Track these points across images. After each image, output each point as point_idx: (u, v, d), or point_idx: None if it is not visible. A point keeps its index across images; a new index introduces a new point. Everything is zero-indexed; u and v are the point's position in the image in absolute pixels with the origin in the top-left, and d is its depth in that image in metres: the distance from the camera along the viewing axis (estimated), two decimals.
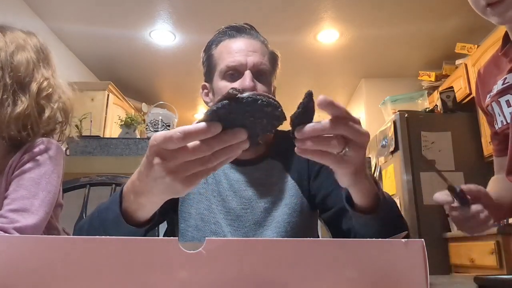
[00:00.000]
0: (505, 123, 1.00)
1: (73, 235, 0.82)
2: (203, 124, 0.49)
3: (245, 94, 0.48)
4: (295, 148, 0.56)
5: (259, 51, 0.96)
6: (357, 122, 0.57)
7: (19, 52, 1.00)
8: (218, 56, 0.97)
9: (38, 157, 0.94)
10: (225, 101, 0.48)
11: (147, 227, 0.67)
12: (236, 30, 0.98)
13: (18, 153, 0.96)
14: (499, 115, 1.01)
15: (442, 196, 0.86)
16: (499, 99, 0.99)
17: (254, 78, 0.92)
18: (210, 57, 0.99)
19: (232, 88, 0.48)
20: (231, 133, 0.51)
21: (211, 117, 0.49)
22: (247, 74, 0.91)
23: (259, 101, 0.48)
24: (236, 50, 0.94)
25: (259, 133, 0.54)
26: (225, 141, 0.51)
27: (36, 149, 0.95)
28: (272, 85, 0.99)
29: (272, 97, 0.50)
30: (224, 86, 0.93)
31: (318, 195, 0.95)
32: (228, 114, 0.49)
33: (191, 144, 0.50)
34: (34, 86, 0.99)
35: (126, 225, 0.63)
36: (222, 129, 0.50)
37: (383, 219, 0.69)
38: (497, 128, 1.04)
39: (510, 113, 0.97)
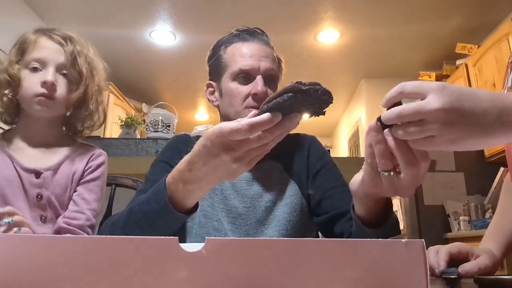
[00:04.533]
0: (505, 90, 0.89)
1: (103, 232, 0.85)
2: (267, 115, 0.55)
3: (308, 86, 0.54)
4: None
5: (270, 57, 0.98)
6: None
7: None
8: (230, 58, 0.98)
9: (101, 168, 1.11)
10: (290, 94, 0.53)
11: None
12: (249, 34, 1.00)
13: (83, 160, 1.10)
14: (507, 80, 0.90)
15: (432, 259, 0.79)
16: None
17: (265, 83, 0.94)
18: (220, 57, 1.01)
19: (297, 82, 0.53)
20: (289, 119, 0.57)
21: (274, 108, 0.55)
22: (259, 79, 0.94)
23: (319, 91, 0.54)
24: (250, 54, 0.96)
25: (308, 115, 0.60)
26: (284, 127, 0.57)
27: (99, 160, 1.12)
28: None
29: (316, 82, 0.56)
30: (235, 88, 0.95)
31: (314, 198, 0.96)
32: (291, 104, 0.54)
33: (257, 133, 0.56)
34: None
35: (175, 212, 0.66)
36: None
37: (386, 235, 0.70)
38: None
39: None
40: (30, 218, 0.97)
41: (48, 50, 1.04)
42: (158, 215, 0.68)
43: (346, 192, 0.80)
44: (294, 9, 3.21)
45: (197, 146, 0.61)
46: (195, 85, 4.51)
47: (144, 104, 4.41)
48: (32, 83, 1.01)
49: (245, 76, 0.95)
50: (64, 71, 1.05)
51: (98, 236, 0.35)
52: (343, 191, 0.92)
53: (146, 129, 2.52)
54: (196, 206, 0.70)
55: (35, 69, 1.03)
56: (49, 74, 1.02)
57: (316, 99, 0.56)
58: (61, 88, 1.04)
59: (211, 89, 1.04)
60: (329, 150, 1.17)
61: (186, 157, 0.63)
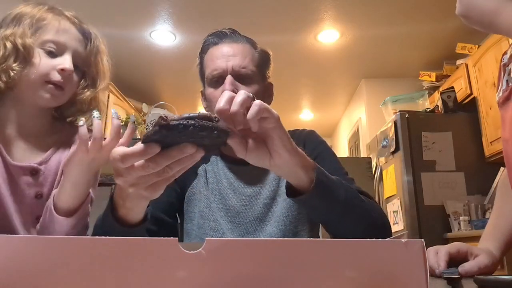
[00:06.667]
0: (501, 93, 0.87)
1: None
2: (140, 146, 0.53)
3: (175, 122, 0.48)
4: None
5: (240, 54, 0.96)
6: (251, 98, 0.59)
7: None
8: (205, 64, 1.00)
9: None
10: (156, 128, 0.49)
11: (142, 227, 0.68)
12: (218, 37, 1.00)
13: (70, 144, 0.96)
14: (501, 83, 0.89)
15: (432, 259, 0.79)
16: (506, 67, 0.88)
17: (237, 81, 0.93)
18: (201, 65, 1.04)
19: (160, 116, 0.49)
20: (177, 149, 0.53)
21: (149, 141, 0.51)
22: (228, 79, 0.93)
23: (190, 127, 0.48)
24: (218, 57, 0.96)
25: (210, 145, 0.54)
26: (172, 157, 0.54)
27: None
28: (262, 84, 1.00)
29: (209, 116, 0.50)
30: (210, 92, 0.97)
31: None
32: (164, 138, 0.50)
33: (140, 162, 0.54)
34: None
35: (120, 226, 0.66)
36: (171, 145, 0.52)
37: (323, 194, 0.70)
38: (497, 98, 0.91)
39: (507, 80, 0.85)
40: (21, 222, 0.86)
41: (69, 36, 0.93)
42: (109, 228, 0.67)
43: (341, 178, 0.78)
44: (294, 9, 3.21)
45: None
46: (195, 85, 4.47)
47: (144, 104, 4.41)
48: (48, 67, 0.88)
49: (217, 80, 0.95)
50: (78, 64, 0.94)
51: (98, 237, 0.35)
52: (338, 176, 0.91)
53: (146, 129, 2.52)
54: (143, 221, 0.68)
55: (50, 53, 0.90)
56: (67, 62, 0.89)
57: (197, 135, 0.50)
58: (75, 79, 0.94)
59: (203, 96, 1.07)
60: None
61: None
